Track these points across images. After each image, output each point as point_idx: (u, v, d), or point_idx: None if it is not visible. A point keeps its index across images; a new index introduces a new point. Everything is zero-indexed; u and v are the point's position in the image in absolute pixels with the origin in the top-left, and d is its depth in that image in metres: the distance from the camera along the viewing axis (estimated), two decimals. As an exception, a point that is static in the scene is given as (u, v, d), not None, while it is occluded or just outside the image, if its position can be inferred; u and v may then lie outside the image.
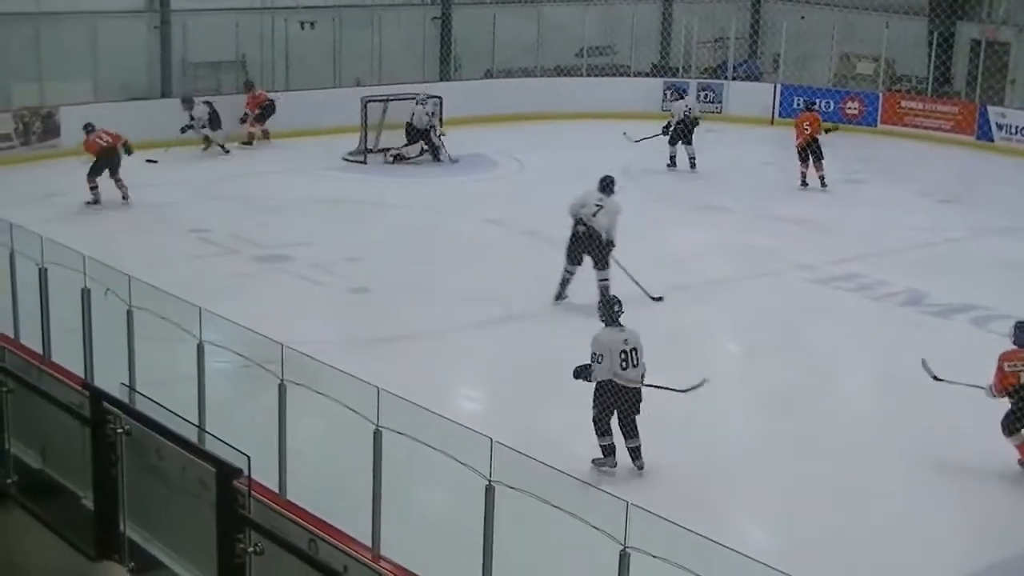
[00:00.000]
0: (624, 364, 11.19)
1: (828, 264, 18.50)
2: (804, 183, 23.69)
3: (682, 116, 25.10)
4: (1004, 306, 16.34)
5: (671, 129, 25.12)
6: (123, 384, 9.20)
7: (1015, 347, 11.84)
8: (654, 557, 6.17)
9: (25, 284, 11.57)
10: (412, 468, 8.30)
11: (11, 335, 11.69)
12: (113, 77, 26.72)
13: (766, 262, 18.60)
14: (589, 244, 16.06)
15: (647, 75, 33.45)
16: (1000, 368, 11.70)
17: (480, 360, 14.68)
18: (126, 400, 8.53)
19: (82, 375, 10.66)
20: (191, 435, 8.03)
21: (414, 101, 25.21)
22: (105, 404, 8.25)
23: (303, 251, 18.34)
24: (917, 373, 13.37)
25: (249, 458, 7.20)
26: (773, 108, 31.09)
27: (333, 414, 8.10)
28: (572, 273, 16.28)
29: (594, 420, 11.41)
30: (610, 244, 16.06)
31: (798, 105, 30.55)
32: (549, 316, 15.98)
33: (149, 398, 8.25)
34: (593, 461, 11.36)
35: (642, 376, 11.30)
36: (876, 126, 30.15)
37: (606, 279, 16.00)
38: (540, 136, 27.47)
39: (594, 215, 16.01)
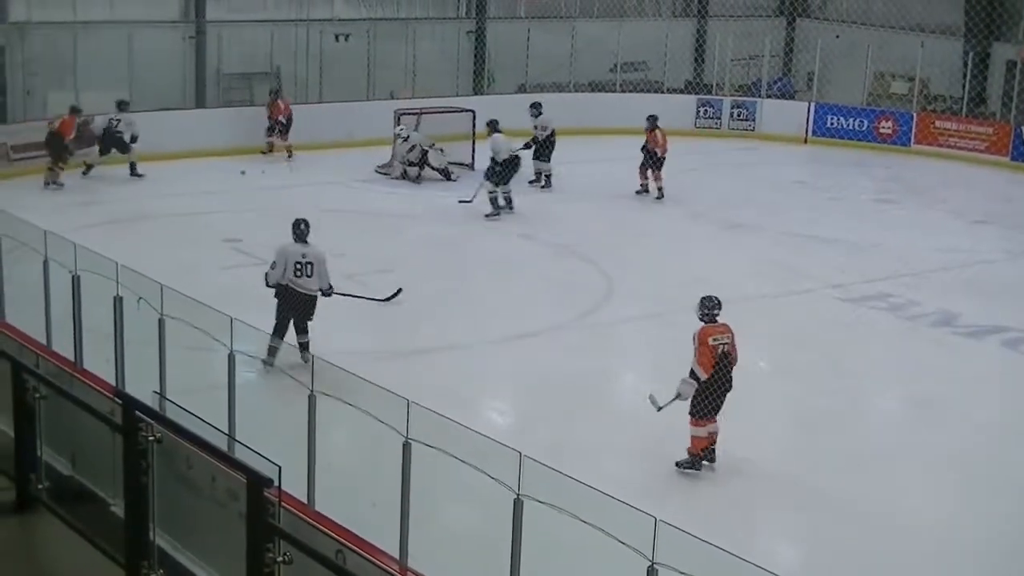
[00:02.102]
0: (298, 273, 13.70)
1: (860, 284, 18.46)
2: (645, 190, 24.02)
3: (547, 132, 24.69)
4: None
5: (534, 147, 24.66)
6: (155, 392, 9.26)
7: (709, 324, 11.78)
8: (681, 573, 6.19)
9: (58, 291, 11.69)
10: (440, 480, 8.34)
11: (44, 342, 11.81)
12: (148, 87, 26.88)
13: (798, 281, 18.58)
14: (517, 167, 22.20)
15: (681, 92, 33.48)
16: (704, 344, 11.59)
17: (510, 373, 14.71)
18: (157, 408, 8.57)
19: (113, 382, 10.76)
20: (222, 444, 8.08)
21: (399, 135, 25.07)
22: (137, 412, 8.28)
23: (334, 262, 18.11)
24: (949, 393, 13.56)
25: (280, 468, 7.23)
26: (807, 127, 31.06)
27: (362, 425, 8.15)
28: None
29: (275, 324, 13.45)
30: None
31: (831, 124, 30.71)
32: (580, 330, 16.01)
33: (180, 406, 8.29)
34: (263, 361, 11.97)
35: (329, 288, 13.97)
36: (910, 146, 30.06)
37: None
38: (572, 151, 27.44)
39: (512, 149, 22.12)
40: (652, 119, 23.99)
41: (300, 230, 13.96)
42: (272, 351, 12.54)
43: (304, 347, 13.20)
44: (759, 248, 20.53)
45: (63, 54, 25.77)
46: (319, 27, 29.55)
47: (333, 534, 8.36)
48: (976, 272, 19.76)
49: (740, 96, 32.57)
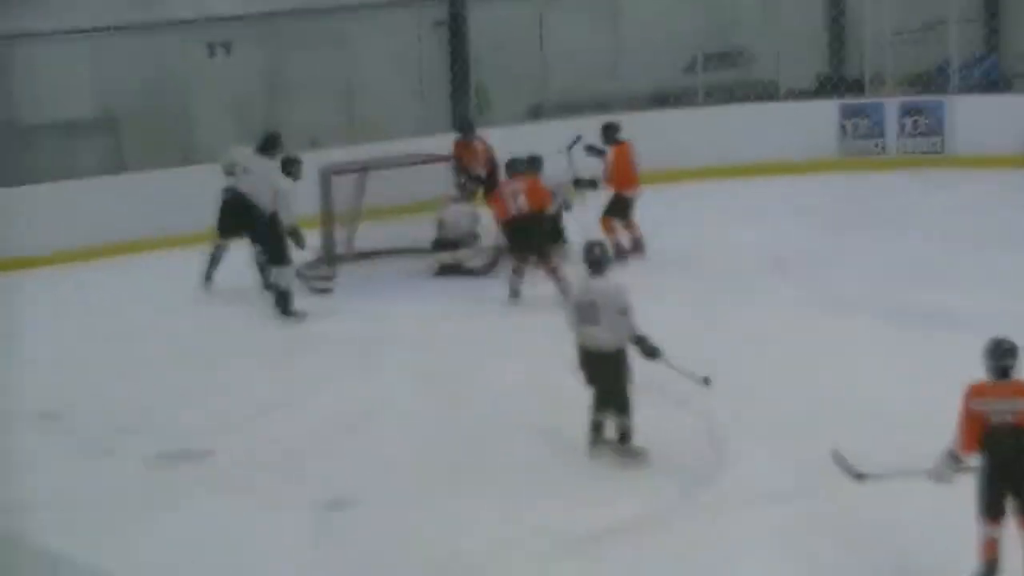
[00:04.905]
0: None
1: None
2: None
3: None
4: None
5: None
6: None
7: (992, 381, 12.47)
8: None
9: None
10: None
11: None
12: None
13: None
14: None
15: (810, 95, 33.31)
16: (964, 409, 12.41)
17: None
18: None
19: None
20: None
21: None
22: None
23: (226, 441, 18.03)
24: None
25: None
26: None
27: None
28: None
29: None
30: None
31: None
32: (686, 519, 15.62)
33: None
34: None
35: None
36: None
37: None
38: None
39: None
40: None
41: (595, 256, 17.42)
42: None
43: None
44: (966, 354, 19.69)
45: None
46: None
47: None
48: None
49: (913, 95, 32.13)
